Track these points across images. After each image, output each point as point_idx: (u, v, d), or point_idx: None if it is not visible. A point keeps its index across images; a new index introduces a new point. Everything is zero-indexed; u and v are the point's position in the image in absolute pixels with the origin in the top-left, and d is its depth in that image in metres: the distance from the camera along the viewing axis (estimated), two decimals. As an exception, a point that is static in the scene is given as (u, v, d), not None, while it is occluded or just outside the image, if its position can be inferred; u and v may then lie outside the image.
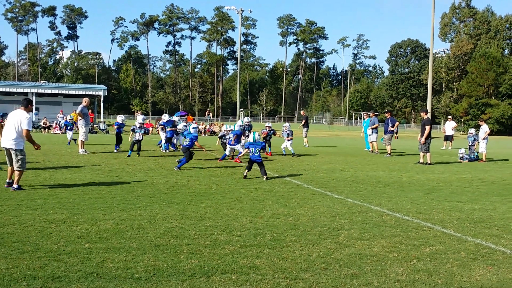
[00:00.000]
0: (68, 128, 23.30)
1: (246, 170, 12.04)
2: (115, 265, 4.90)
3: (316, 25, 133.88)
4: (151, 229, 6.39)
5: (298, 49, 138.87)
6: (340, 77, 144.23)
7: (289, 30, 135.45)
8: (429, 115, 20.31)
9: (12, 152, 9.10)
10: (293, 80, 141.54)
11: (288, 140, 18.77)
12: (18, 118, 9.17)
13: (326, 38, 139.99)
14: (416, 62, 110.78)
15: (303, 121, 26.26)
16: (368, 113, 26.40)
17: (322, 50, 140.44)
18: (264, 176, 11.68)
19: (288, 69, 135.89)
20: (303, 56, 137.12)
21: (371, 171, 14.49)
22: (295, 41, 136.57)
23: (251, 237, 6.15)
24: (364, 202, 9.13)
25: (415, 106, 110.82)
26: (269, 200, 8.92)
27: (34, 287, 4.24)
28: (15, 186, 9.07)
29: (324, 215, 7.73)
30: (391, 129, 20.88)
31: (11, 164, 9.24)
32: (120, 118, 18.97)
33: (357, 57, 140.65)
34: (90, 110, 39.89)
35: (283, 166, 14.79)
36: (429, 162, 16.91)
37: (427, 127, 17.13)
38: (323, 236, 6.36)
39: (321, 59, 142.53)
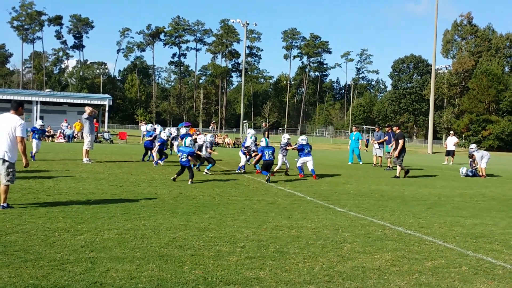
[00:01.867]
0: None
1: (269, 174, 13.63)
2: (119, 274, 4.91)
3: (320, 39, 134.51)
4: (155, 239, 6.41)
5: (302, 62, 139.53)
6: (343, 91, 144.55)
7: (293, 43, 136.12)
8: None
9: (3, 163, 7.97)
10: (296, 93, 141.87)
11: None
12: (11, 125, 8.02)
13: (330, 52, 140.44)
14: (419, 77, 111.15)
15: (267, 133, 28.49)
16: (357, 126, 26.71)
17: (326, 64, 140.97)
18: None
19: (292, 82, 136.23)
20: (307, 70, 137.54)
21: (373, 184, 14.49)
22: (299, 54, 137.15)
23: (255, 249, 6.17)
24: (367, 215, 9.14)
25: (417, 121, 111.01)
26: (272, 212, 8.93)
27: (38, 296, 4.23)
28: (4, 204, 8.02)
29: (327, 228, 7.73)
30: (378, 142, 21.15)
31: None
32: (164, 135, 17.98)
33: (360, 72, 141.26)
34: (95, 120, 40.04)
35: (287, 178, 14.80)
36: (397, 175, 17.06)
37: (400, 141, 17.29)
38: (326, 249, 6.37)
39: (325, 73, 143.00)
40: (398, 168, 17.22)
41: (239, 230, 7.23)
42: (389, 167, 20.42)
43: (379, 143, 22.04)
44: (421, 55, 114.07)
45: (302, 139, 15.80)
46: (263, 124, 31.98)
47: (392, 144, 18.97)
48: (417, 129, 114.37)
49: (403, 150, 17.26)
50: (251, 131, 17.51)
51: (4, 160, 7.97)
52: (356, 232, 7.56)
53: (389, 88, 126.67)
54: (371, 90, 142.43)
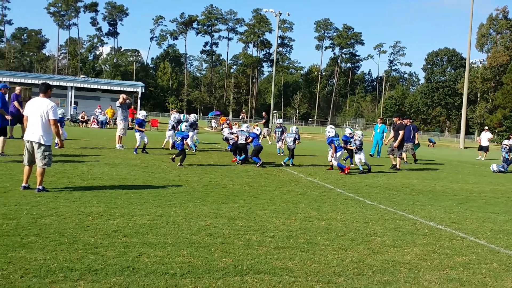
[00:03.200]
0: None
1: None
2: (150, 260, 5.00)
3: (353, 30, 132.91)
4: (186, 226, 6.49)
5: (334, 53, 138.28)
6: (375, 83, 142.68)
7: (325, 34, 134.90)
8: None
9: (39, 147, 8.13)
10: (327, 84, 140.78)
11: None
12: (43, 108, 8.11)
13: (363, 44, 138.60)
14: (452, 71, 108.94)
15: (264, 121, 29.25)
16: (382, 118, 26.14)
17: (358, 56, 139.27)
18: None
19: (323, 73, 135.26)
20: (339, 61, 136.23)
21: (404, 178, 14.30)
22: (331, 45, 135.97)
23: (284, 239, 6.18)
24: (397, 209, 9.05)
25: (450, 115, 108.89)
26: (302, 203, 8.93)
27: (71, 279, 4.32)
28: (39, 187, 8.16)
29: (357, 221, 7.69)
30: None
31: (31, 163, 8.26)
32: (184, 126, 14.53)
33: (393, 64, 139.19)
34: (132, 106, 40.60)
35: (316, 170, 14.75)
36: (398, 166, 16.86)
37: (401, 132, 17.11)
38: (356, 242, 6.34)
39: (357, 64, 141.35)
40: (398, 159, 17.08)
41: (268, 220, 7.25)
42: (406, 161, 19.85)
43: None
44: (455, 48, 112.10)
45: (329, 131, 14.83)
46: (263, 113, 32.15)
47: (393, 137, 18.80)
48: (449, 123, 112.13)
49: (402, 140, 17.22)
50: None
51: (40, 144, 8.14)
52: (387, 225, 7.50)
53: (422, 81, 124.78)
54: (404, 83, 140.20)
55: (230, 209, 7.91)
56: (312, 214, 7.99)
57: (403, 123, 18.29)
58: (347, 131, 15.87)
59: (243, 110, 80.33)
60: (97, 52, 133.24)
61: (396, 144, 17.01)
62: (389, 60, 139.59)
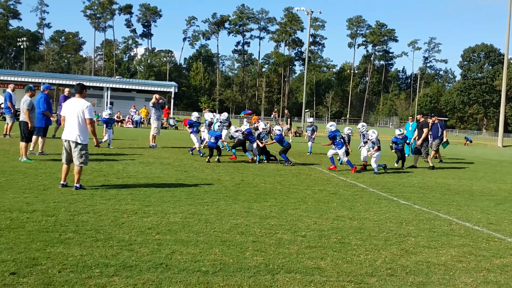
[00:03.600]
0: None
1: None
2: (183, 257, 5.07)
3: (386, 27, 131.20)
4: (217, 225, 6.55)
5: (367, 51, 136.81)
6: (409, 80, 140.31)
7: (358, 31, 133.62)
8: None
9: (76, 146, 8.33)
10: (360, 82, 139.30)
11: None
12: (80, 108, 8.33)
13: (396, 41, 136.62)
14: (490, 67, 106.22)
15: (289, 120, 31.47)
16: (416, 116, 25.55)
17: (392, 53, 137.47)
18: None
19: (356, 71, 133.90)
20: (372, 58, 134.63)
21: (439, 178, 14.04)
22: (364, 43, 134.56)
23: (316, 239, 6.17)
24: (432, 209, 8.89)
25: (487, 112, 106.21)
26: (334, 203, 8.88)
27: (107, 274, 4.42)
28: (77, 185, 8.39)
29: (390, 221, 7.60)
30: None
31: (69, 161, 8.47)
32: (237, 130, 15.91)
33: (428, 61, 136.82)
34: (166, 106, 41.13)
35: (348, 169, 14.61)
36: (431, 164, 16.43)
37: (425, 130, 16.81)
38: (389, 242, 6.27)
39: (390, 62, 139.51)
40: (430, 157, 16.83)
41: (300, 219, 7.25)
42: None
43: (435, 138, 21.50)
44: (492, 44, 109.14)
45: (330, 125, 14.42)
46: (286, 111, 32.52)
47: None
48: (487, 121, 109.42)
49: (426, 139, 17.02)
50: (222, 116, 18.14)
51: (77, 143, 8.35)
52: (421, 226, 7.38)
53: (458, 78, 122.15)
54: (439, 80, 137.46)
55: (261, 207, 7.94)
56: (344, 213, 7.94)
57: (428, 121, 18.09)
58: (397, 132, 15.64)
59: (275, 109, 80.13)
60: (132, 53, 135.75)
61: (419, 142, 16.78)
62: (424, 57, 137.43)
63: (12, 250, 4.89)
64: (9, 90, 17.71)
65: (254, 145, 15.05)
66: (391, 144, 16.10)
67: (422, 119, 17.72)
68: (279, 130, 15.21)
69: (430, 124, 18.40)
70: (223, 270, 4.76)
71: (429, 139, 18.57)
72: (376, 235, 6.60)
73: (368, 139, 14.46)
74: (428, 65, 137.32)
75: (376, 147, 13.97)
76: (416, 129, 17.84)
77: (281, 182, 11.11)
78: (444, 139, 19.38)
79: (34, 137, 12.74)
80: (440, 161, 19.81)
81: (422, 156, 17.25)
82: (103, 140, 16.48)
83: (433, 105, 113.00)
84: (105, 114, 17.65)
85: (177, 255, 5.12)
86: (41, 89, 13.79)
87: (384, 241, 6.31)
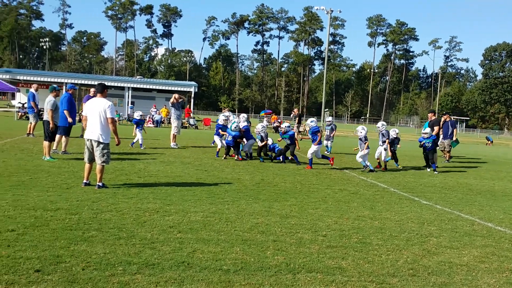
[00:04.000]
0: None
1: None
2: (204, 256, 5.10)
3: (406, 26, 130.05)
4: (238, 224, 6.58)
5: (387, 50, 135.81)
6: (430, 79, 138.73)
7: (378, 30, 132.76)
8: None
9: (98, 145, 8.46)
10: (380, 81, 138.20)
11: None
12: (101, 107, 8.45)
13: (417, 40, 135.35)
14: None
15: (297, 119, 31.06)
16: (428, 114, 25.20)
17: (412, 52, 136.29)
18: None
19: (376, 70, 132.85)
20: (392, 57, 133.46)
21: (461, 177, 13.86)
22: (384, 42, 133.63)
23: (337, 238, 6.15)
24: (454, 209, 8.79)
25: (509, 112, 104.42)
26: (354, 202, 8.83)
27: (130, 272, 4.47)
28: (99, 183, 8.49)
29: (411, 221, 7.54)
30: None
31: (91, 160, 8.61)
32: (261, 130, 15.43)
33: (449, 60, 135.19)
34: (188, 107, 41.35)
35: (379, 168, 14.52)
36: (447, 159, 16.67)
37: (436, 128, 16.60)
38: (411, 242, 6.21)
39: (411, 61, 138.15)
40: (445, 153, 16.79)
41: (320, 219, 7.23)
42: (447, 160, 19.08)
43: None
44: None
45: (311, 121, 14.34)
46: (294, 110, 32.24)
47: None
48: (509, 121, 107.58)
49: (437, 136, 16.76)
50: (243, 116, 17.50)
51: (99, 142, 8.47)
52: (443, 226, 7.30)
53: (480, 77, 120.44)
54: (460, 79, 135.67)
55: (282, 207, 7.94)
56: (365, 213, 7.90)
57: (441, 119, 18.04)
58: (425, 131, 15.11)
59: (295, 109, 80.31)
60: (152, 53, 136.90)
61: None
62: (445, 55, 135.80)
63: (36, 248, 4.98)
64: (32, 90, 18.02)
65: (260, 142, 15.27)
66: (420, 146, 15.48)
67: (433, 118, 17.48)
68: (289, 127, 14.89)
69: (441, 122, 18.20)
70: (244, 269, 4.78)
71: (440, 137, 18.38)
72: (397, 235, 6.55)
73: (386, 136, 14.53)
74: (449, 64, 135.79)
75: (366, 145, 13.58)
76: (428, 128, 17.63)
77: (301, 181, 11.09)
78: (454, 138, 19.03)
79: (57, 136, 12.95)
80: (447, 161, 19.50)
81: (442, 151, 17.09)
82: (135, 141, 16.59)
83: (454, 105, 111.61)
84: (137, 115, 17.36)
85: (198, 254, 5.15)
86: (66, 89, 14.00)
87: (406, 241, 6.26)
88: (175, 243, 5.49)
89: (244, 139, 15.37)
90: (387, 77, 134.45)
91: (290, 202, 8.41)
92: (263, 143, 15.25)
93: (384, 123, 15.15)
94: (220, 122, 16.38)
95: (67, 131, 13.30)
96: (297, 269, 4.86)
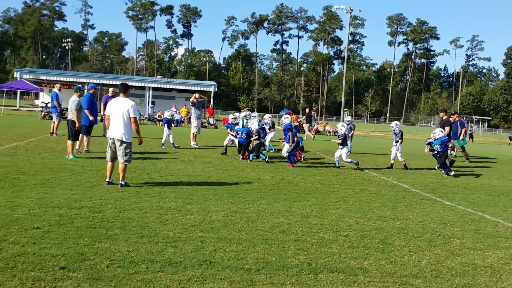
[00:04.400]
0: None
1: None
2: (226, 255, 5.13)
3: (427, 25, 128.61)
4: (259, 223, 6.59)
5: (408, 49, 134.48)
6: (451, 79, 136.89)
7: (398, 29, 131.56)
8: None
9: (121, 144, 8.56)
10: (400, 81, 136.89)
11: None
12: (125, 107, 8.55)
13: (438, 38, 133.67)
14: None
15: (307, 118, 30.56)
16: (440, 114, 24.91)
17: (433, 51, 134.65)
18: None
19: (396, 70, 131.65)
20: (413, 57, 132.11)
21: (484, 178, 13.66)
22: (404, 41, 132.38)
23: (358, 239, 6.12)
24: (477, 210, 8.68)
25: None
26: (376, 202, 8.78)
27: (153, 270, 4.53)
28: (122, 182, 8.64)
29: (434, 221, 7.46)
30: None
31: (113, 159, 8.72)
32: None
33: (471, 59, 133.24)
34: (210, 106, 41.57)
35: (389, 169, 14.40)
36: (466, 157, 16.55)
37: (447, 128, 16.10)
38: (434, 243, 6.16)
39: (432, 60, 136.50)
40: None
41: (341, 219, 7.21)
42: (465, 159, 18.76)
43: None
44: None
45: (284, 118, 14.26)
46: (307, 110, 31.93)
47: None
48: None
49: (448, 137, 16.15)
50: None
51: (122, 142, 8.57)
52: (466, 227, 7.22)
53: (502, 76, 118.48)
54: (482, 78, 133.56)
55: (302, 207, 7.94)
56: (387, 213, 7.84)
57: (451, 119, 17.66)
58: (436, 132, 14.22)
59: (314, 108, 79.81)
60: (172, 53, 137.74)
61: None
62: (466, 55, 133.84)
63: (61, 245, 5.07)
64: (55, 89, 18.31)
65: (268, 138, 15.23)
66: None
67: (445, 117, 17.11)
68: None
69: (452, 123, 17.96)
70: (266, 268, 4.80)
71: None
72: (420, 236, 6.49)
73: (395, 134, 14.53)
74: (470, 63, 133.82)
75: (340, 140, 13.71)
76: (440, 127, 17.34)
77: (321, 181, 11.06)
78: (461, 138, 18.65)
79: (80, 136, 13.14)
80: (467, 160, 19.23)
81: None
82: (164, 140, 16.58)
83: (476, 104, 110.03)
84: (168, 114, 17.24)
85: (220, 253, 5.18)
86: (87, 89, 14.19)
87: (429, 242, 6.21)
88: (197, 241, 5.53)
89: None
90: (408, 77, 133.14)
91: (311, 202, 8.40)
92: (255, 138, 14.59)
93: (398, 123, 14.98)
94: (231, 121, 16.56)
95: (88, 130, 13.47)
96: (318, 269, 4.86)
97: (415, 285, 4.62)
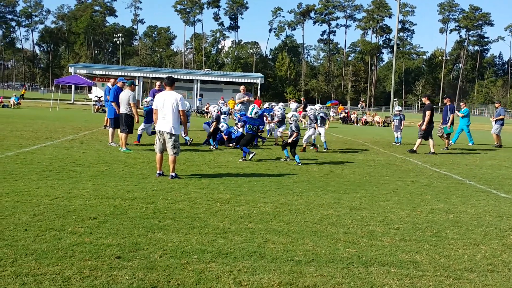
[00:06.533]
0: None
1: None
2: (275, 246, 5.15)
3: (480, 11, 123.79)
4: (308, 215, 6.58)
5: (460, 36, 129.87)
6: (506, 66, 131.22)
7: (450, 16, 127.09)
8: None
9: (170, 137, 8.74)
10: (452, 69, 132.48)
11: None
12: (173, 100, 8.70)
13: (492, 25, 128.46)
14: None
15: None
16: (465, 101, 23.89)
17: (487, 38, 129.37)
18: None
19: (448, 58, 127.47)
20: (465, 44, 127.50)
21: (544, 170, 13.06)
22: (456, 28, 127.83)
23: (410, 231, 6.01)
24: (537, 204, 8.32)
25: None
26: (428, 195, 8.57)
27: (204, 260, 4.60)
28: (172, 174, 8.82)
29: (489, 214, 7.22)
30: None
31: (162, 151, 8.93)
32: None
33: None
34: (257, 97, 41.70)
35: (442, 160, 14.03)
36: (432, 150, 15.69)
37: (427, 113, 15.56)
38: (489, 237, 5.96)
39: (485, 47, 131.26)
40: (430, 141, 15.90)
41: (392, 211, 7.09)
42: (446, 147, 17.83)
43: (496, 120, 20.21)
44: None
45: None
46: (302, 98, 31.09)
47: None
48: None
49: (430, 122, 15.80)
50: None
51: (171, 134, 8.75)
52: (524, 221, 6.94)
53: None
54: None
55: (351, 199, 7.86)
56: (439, 206, 7.65)
57: (447, 104, 17.73)
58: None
59: (362, 99, 78.54)
60: (220, 46, 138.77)
61: (423, 127, 15.65)
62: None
63: (116, 235, 5.23)
64: (109, 84, 18.81)
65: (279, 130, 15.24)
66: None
67: (427, 102, 16.13)
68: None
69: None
70: (316, 260, 4.79)
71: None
72: (474, 229, 6.30)
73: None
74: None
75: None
76: (422, 113, 16.50)
77: (371, 173, 10.90)
78: (448, 124, 17.69)
79: (110, 129, 13.43)
80: (499, 146, 18.47)
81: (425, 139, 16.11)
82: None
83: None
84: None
85: (269, 244, 5.21)
86: (116, 82, 14.29)
87: (484, 235, 6.02)
88: (247, 233, 5.58)
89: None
90: (460, 65, 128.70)
91: (360, 194, 8.30)
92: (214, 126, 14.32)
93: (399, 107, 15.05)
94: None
95: (116, 123, 13.26)
96: (369, 262, 4.81)
97: (470, 279, 4.49)
